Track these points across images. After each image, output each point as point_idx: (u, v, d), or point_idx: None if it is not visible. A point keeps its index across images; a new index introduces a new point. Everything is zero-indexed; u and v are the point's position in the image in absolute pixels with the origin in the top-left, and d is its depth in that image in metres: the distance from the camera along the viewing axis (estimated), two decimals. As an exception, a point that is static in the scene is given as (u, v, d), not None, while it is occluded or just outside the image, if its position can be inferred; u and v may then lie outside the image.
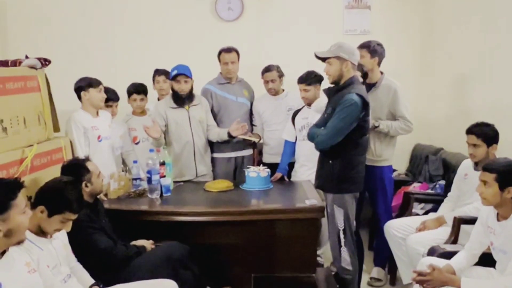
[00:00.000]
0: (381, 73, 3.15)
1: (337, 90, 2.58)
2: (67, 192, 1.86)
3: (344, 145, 2.52)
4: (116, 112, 3.39)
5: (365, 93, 2.55)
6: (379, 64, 3.13)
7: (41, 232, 1.86)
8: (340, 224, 2.63)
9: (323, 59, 2.60)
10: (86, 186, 2.28)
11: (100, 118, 2.98)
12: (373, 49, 3.08)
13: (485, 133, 2.52)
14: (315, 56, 2.61)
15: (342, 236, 2.64)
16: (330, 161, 2.59)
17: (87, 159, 2.39)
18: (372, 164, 3.10)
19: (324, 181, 2.68)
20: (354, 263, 2.68)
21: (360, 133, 2.56)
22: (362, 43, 3.12)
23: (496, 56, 3.16)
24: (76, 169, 2.28)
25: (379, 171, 3.14)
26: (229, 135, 3.23)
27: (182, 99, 3.22)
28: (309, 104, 3.22)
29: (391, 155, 3.21)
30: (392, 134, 3.11)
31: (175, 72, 3.18)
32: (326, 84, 2.79)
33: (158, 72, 3.66)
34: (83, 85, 2.89)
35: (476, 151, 2.55)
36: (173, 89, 3.24)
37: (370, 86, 3.13)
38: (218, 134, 3.29)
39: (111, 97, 3.20)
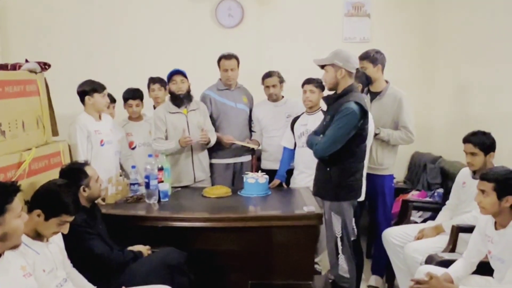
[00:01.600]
0: (386, 82, 3.16)
1: (336, 98, 2.59)
2: (62, 195, 1.86)
3: (342, 152, 2.52)
4: (114, 114, 3.38)
5: (364, 101, 2.56)
6: (382, 71, 3.13)
7: (37, 236, 1.85)
8: (338, 232, 2.62)
9: (322, 66, 2.62)
10: (84, 190, 2.27)
11: (102, 122, 2.98)
12: (373, 58, 3.08)
13: (482, 142, 2.53)
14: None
15: (339, 243, 2.63)
16: (328, 169, 2.59)
17: (86, 163, 2.39)
18: (373, 172, 3.10)
19: (321, 188, 2.68)
20: (351, 271, 2.67)
21: (358, 141, 2.56)
22: (361, 55, 3.11)
23: (496, 65, 3.17)
24: (75, 173, 2.28)
25: (380, 180, 3.14)
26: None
27: (180, 99, 3.22)
28: (310, 108, 3.23)
29: (393, 164, 3.20)
30: (392, 143, 3.11)
31: (170, 72, 3.20)
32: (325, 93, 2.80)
33: (152, 80, 3.65)
34: (87, 90, 2.89)
35: (474, 159, 2.56)
36: (171, 92, 3.25)
37: (375, 95, 3.13)
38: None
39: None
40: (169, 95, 3.33)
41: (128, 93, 3.46)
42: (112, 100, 3.36)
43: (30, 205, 1.86)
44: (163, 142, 3.21)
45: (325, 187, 2.64)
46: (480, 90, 3.39)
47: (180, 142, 3.14)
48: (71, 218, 1.89)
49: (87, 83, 2.92)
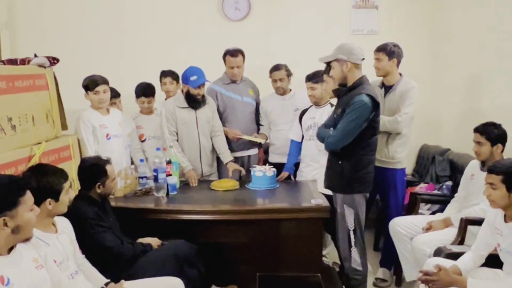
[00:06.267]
0: (400, 75, 3.12)
1: (347, 91, 2.57)
2: (46, 180, 1.88)
3: (354, 145, 2.50)
4: (121, 108, 3.39)
5: (375, 93, 2.54)
6: (398, 65, 3.09)
7: (47, 227, 1.89)
8: (351, 225, 2.62)
9: (328, 64, 2.61)
10: (99, 187, 2.30)
11: (110, 116, 2.99)
12: (390, 51, 3.04)
13: (489, 132, 2.53)
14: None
15: (352, 236, 2.62)
16: (340, 162, 2.58)
17: (108, 161, 2.38)
18: (385, 166, 3.07)
19: (333, 182, 2.66)
20: (364, 264, 2.67)
21: (370, 134, 2.54)
22: (378, 46, 3.07)
23: (507, 57, 3.13)
24: (95, 169, 2.30)
25: (392, 173, 3.10)
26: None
27: (198, 102, 3.21)
28: (316, 103, 3.22)
29: (404, 157, 3.16)
30: (381, 129, 3.05)
31: (198, 81, 3.11)
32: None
33: (164, 74, 3.67)
34: (83, 87, 2.90)
35: (479, 148, 2.57)
36: (189, 93, 3.18)
37: (388, 88, 3.10)
38: (219, 151, 3.31)
39: (112, 94, 3.17)
40: (180, 89, 3.30)
41: (141, 90, 3.42)
42: (116, 94, 3.35)
43: (36, 201, 1.82)
44: (182, 153, 3.20)
45: (337, 180, 2.62)
46: (490, 83, 3.35)
47: (186, 174, 3.17)
48: (69, 182, 1.96)
49: (84, 80, 2.92)
